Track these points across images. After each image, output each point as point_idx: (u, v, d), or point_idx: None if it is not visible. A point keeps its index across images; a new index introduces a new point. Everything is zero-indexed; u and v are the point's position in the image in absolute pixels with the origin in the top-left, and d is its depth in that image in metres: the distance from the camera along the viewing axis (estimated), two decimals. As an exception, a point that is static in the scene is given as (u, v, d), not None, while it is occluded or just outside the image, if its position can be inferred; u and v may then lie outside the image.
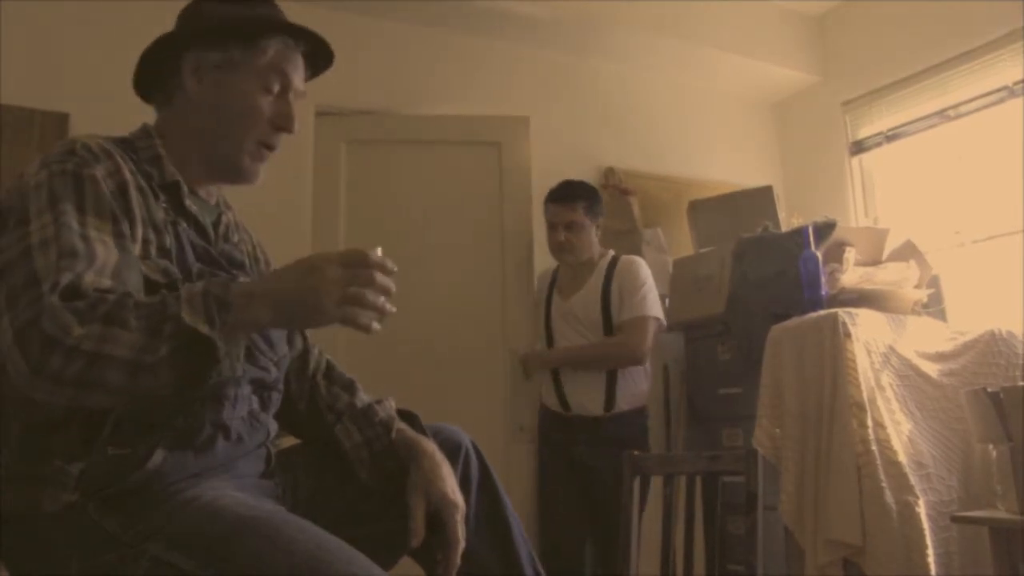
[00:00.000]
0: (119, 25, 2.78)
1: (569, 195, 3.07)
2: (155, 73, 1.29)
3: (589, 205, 3.06)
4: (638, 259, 3.12)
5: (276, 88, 1.28)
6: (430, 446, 1.32)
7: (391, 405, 1.42)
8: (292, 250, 3.22)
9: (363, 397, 1.41)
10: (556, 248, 3.08)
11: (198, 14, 1.29)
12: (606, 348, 2.98)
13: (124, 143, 1.22)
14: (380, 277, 1.04)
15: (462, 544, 1.24)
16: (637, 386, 3.01)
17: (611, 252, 3.15)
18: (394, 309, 1.06)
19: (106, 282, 1.02)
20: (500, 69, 3.66)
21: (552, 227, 3.07)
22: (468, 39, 3.60)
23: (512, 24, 3.53)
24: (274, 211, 3.03)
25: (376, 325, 1.04)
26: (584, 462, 2.92)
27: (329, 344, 1.52)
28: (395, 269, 1.06)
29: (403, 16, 3.42)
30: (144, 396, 1.00)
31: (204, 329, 0.97)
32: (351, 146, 3.35)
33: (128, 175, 1.15)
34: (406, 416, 1.41)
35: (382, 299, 1.04)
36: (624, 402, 2.96)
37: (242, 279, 1.23)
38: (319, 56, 1.40)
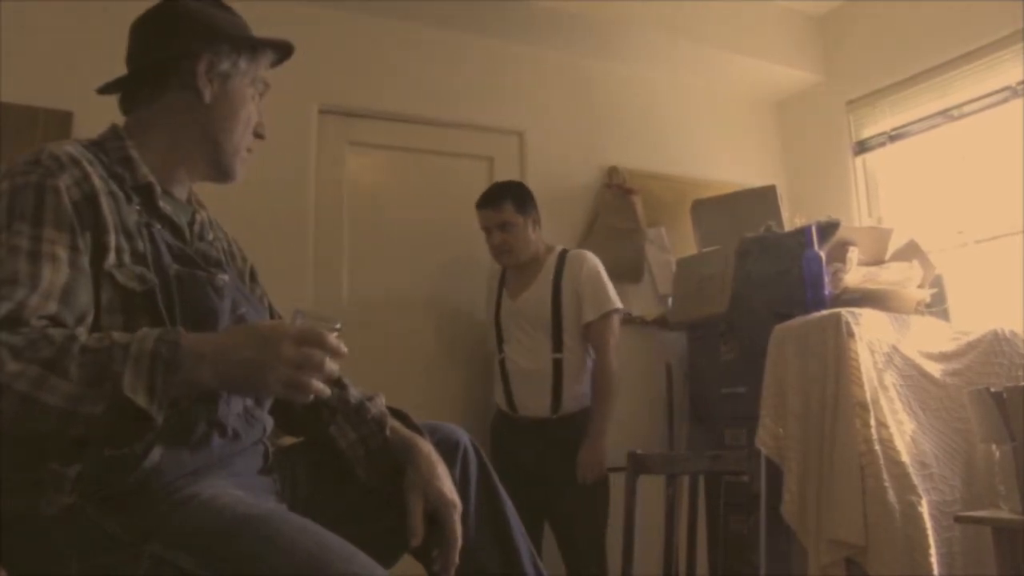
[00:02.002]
0: (122, 23, 2.78)
1: (495, 197, 3.03)
2: (156, 70, 1.29)
3: (517, 203, 3.02)
4: (588, 253, 3.08)
5: (260, 94, 1.39)
6: (426, 445, 1.32)
7: (382, 402, 1.42)
8: (293, 248, 3.23)
9: (354, 392, 1.41)
10: (495, 252, 3.06)
11: (201, 18, 1.31)
12: (605, 392, 2.92)
13: (94, 146, 1.22)
14: (328, 363, 1.04)
15: (460, 543, 1.24)
16: (582, 386, 2.97)
17: (559, 247, 3.11)
18: (328, 392, 1.08)
19: (52, 306, 1.02)
20: (503, 69, 3.65)
21: (487, 232, 3.04)
22: (472, 39, 3.59)
23: (515, 24, 3.53)
24: (276, 209, 3.04)
25: (301, 399, 1.05)
26: (531, 466, 2.86)
27: None
28: (345, 353, 1.07)
29: (407, 15, 3.42)
30: (74, 435, 1.00)
31: (142, 401, 0.97)
32: (353, 147, 3.36)
33: (97, 181, 1.14)
34: (397, 414, 1.41)
35: (322, 385, 1.05)
36: (570, 404, 2.92)
37: (221, 276, 1.23)
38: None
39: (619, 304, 3.01)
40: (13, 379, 0.94)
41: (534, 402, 2.93)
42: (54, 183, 1.09)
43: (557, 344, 2.94)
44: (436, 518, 1.25)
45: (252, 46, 1.34)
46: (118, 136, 1.26)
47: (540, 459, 2.85)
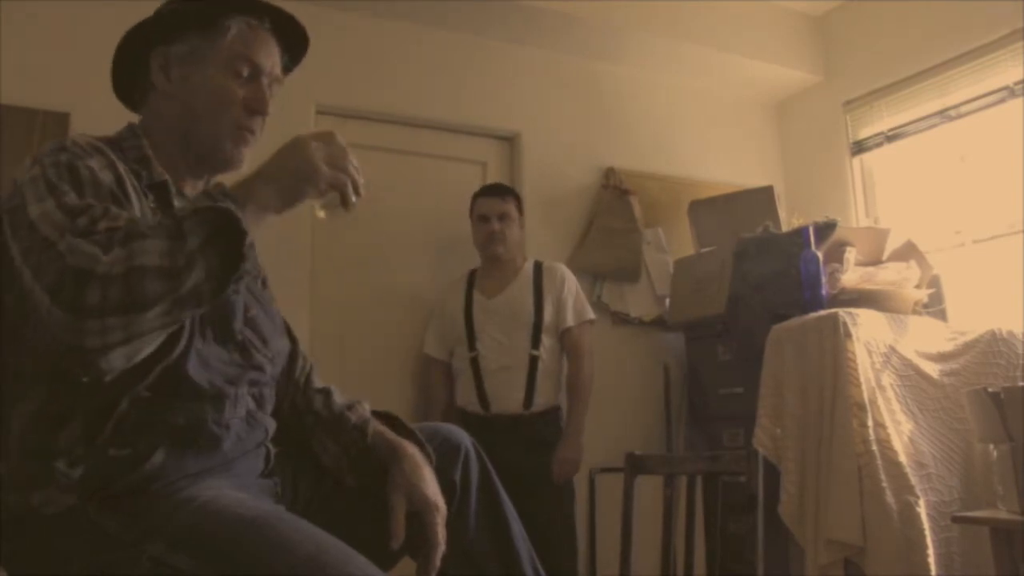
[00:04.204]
0: (120, 24, 2.77)
1: (502, 188, 3.18)
2: (129, 75, 1.30)
3: (517, 201, 3.15)
4: (563, 265, 3.23)
5: (245, 72, 1.27)
6: (411, 448, 1.31)
7: (364, 409, 1.41)
8: (290, 248, 3.23)
9: (337, 401, 1.41)
10: (488, 238, 3.07)
11: (160, 12, 1.29)
12: (583, 394, 3.03)
13: (111, 143, 1.21)
14: (352, 160, 1.14)
15: (442, 547, 1.24)
16: (553, 385, 3.05)
17: (532, 258, 3.20)
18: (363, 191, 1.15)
19: (119, 223, 1.02)
20: (502, 69, 3.66)
21: (485, 219, 3.08)
22: (470, 39, 3.59)
23: (514, 25, 3.53)
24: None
25: (354, 198, 1.14)
26: (504, 464, 2.87)
27: (298, 334, 1.51)
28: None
29: (405, 16, 3.42)
30: (191, 300, 0.98)
31: (237, 218, 0.99)
32: (351, 148, 3.35)
33: (122, 171, 1.15)
34: (387, 418, 1.40)
35: (356, 172, 1.13)
36: (541, 400, 2.98)
37: None
38: (294, 42, 1.37)
39: (594, 316, 3.17)
40: (111, 266, 0.93)
41: (508, 398, 2.97)
42: (87, 163, 1.09)
43: (535, 342, 3.02)
44: (419, 521, 1.24)
45: (201, 20, 1.25)
46: (135, 135, 1.25)
47: (514, 456, 2.83)
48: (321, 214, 1.19)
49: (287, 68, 1.38)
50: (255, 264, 1.04)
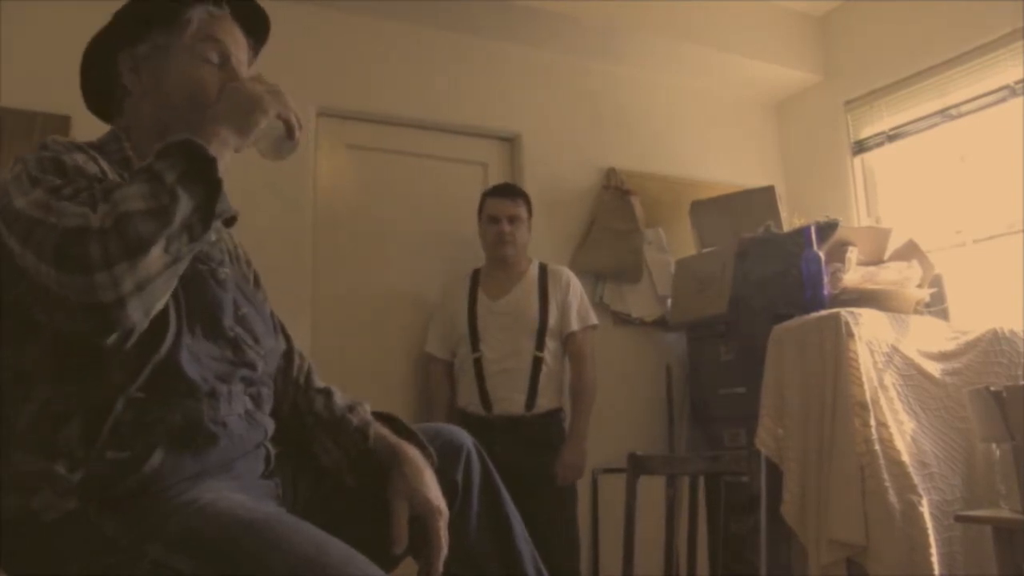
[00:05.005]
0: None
1: (513, 190, 3.17)
2: (100, 86, 1.31)
3: (527, 204, 3.15)
4: (568, 269, 3.23)
5: (215, 58, 1.27)
6: (412, 451, 1.30)
7: (365, 410, 1.40)
8: (292, 249, 3.23)
9: (338, 403, 1.40)
10: (497, 239, 3.07)
11: (119, 15, 1.29)
12: (586, 398, 3.04)
13: (93, 147, 1.21)
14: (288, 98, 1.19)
15: (444, 550, 1.23)
16: (554, 387, 3.05)
17: (536, 260, 3.19)
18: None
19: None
20: (502, 70, 3.66)
21: (495, 220, 3.08)
22: (470, 40, 3.60)
23: (514, 25, 3.53)
24: (276, 210, 3.04)
25: (298, 132, 1.20)
26: (505, 465, 2.86)
27: (300, 334, 1.50)
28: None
29: (405, 17, 3.42)
30: (185, 234, 1.00)
31: (207, 150, 1.02)
32: (351, 150, 3.36)
33: (106, 168, 1.15)
34: (388, 419, 1.40)
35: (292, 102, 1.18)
36: (543, 402, 2.98)
37: (223, 270, 1.23)
38: (256, 28, 1.38)
39: (597, 321, 3.18)
40: (103, 220, 0.96)
41: (510, 399, 2.97)
42: (70, 156, 1.11)
43: (540, 344, 3.02)
44: (422, 525, 1.23)
45: (162, 16, 1.25)
46: (117, 138, 1.26)
47: (515, 457, 2.83)
48: (269, 154, 1.22)
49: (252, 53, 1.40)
50: (227, 204, 1.06)
